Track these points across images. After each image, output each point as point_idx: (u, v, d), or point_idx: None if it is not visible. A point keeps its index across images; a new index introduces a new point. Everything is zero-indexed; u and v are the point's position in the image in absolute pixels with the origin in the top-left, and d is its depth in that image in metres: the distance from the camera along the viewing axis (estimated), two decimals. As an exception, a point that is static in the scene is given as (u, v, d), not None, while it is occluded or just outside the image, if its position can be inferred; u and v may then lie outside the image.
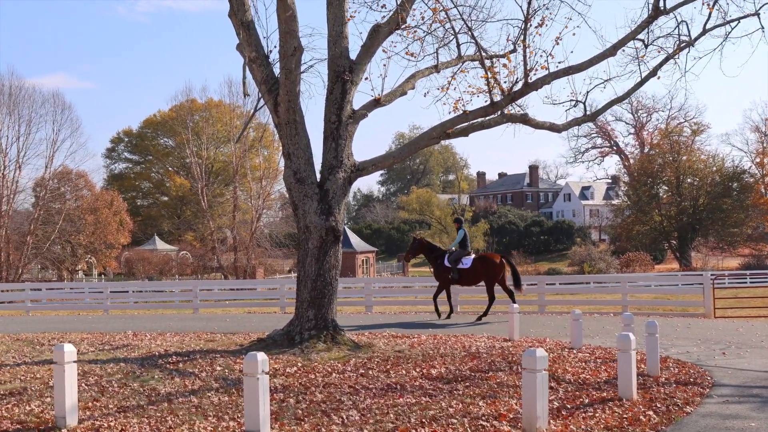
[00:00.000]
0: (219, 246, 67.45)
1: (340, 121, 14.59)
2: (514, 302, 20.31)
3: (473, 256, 21.00)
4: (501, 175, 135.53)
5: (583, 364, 12.15)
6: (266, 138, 67.61)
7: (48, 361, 13.44)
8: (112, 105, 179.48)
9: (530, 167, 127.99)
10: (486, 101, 15.41)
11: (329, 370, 11.92)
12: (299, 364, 12.35)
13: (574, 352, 13.50)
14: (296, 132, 14.34)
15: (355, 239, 76.31)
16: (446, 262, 20.73)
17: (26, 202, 67.33)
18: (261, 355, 7.58)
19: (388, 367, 12.04)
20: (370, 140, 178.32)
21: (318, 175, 14.60)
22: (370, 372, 11.62)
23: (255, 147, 72.10)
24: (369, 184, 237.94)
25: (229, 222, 70.25)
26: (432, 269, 21.73)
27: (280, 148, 70.19)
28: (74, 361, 8.73)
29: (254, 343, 14.42)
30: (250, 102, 67.09)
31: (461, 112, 15.45)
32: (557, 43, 15.20)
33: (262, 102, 14.91)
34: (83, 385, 10.98)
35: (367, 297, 25.81)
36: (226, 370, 12.02)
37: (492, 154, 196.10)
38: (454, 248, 21.24)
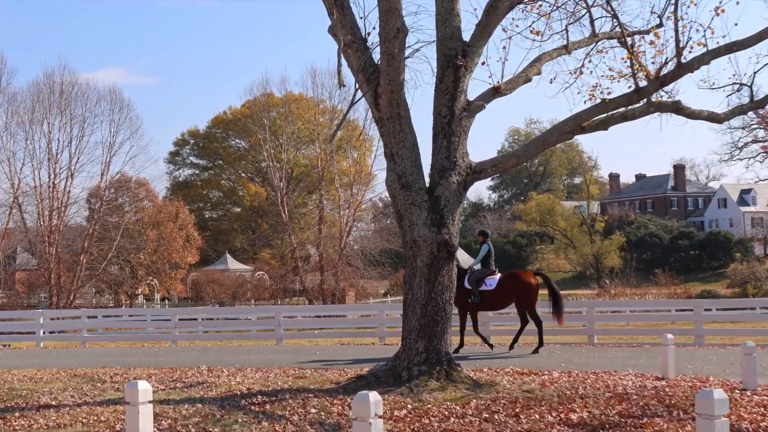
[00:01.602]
0: (302, 265, 68.29)
1: (453, 114, 14.53)
2: (540, 332, 20.52)
3: (499, 275, 20.91)
4: (639, 177, 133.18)
5: (762, 409, 11.73)
6: (356, 137, 68.16)
7: (112, 401, 13.77)
8: (176, 102, 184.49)
9: (675, 167, 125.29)
10: (630, 87, 15.13)
11: (446, 413, 11.84)
12: (409, 407, 12.33)
13: (748, 394, 13.07)
14: (400, 128, 14.35)
15: (462, 256, 76.09)
16: (466, 284, 20.77)
17: (79, 215, 69.59)
18: (374, 395, 7.58)
19: (518, 410, 11.90)
20: (470, 139, 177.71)
21: (427, 180, 14.57)
22: (496, 417, 11.50)
23: (343, 148, 72.83)
24: (478, 190, 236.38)
25: (313, 237, 71.03)
26: None
27: (372, 149, 70.22)
28: (149, 402, 8.90)
29: (353, 381, 14.43)
30: (339, 95, 67.97)
31: (599, 100, 15.21)
32: (717, 14, 14.81)
33: (359, 94, 14.98)
34: (155, 429, 11.15)
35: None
36: (322, 413, 12.08)
37: (627, 152, 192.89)
38: (476, 266, 21.23)
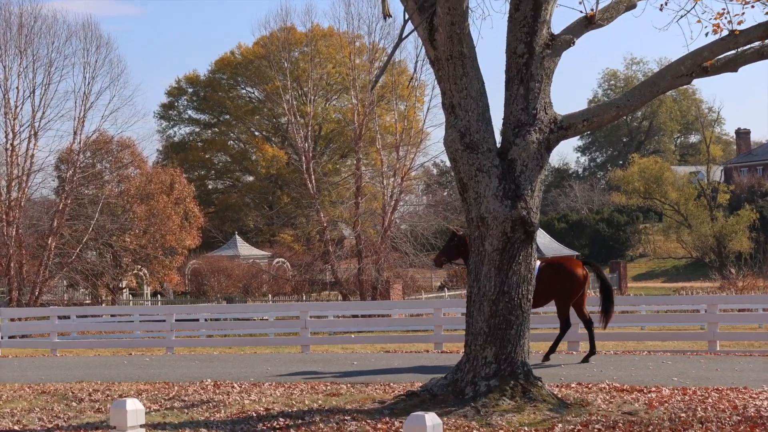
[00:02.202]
0: (334, 250, 68.35)
1: (532, 52, 14.46)
2: (591, 336, 21.20)
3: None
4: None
5: None
6: (403, 85, 68.02)
7: (92, 425, 13.94)
8: (169, 39, 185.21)
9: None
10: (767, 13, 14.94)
11: (523, 442, 11.83)
12: (475, 433, 12.33)
13: None
14: (464, 71, 14.30)
15: (542, 238, 75.93)
16: None
17: (46, 186, 69.96)
18: (432, 418, 7.59)
19: (617, 439, 11.91)
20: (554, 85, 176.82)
21: (498, 139, 14.51)
22: (589, 446, 11.51)
23: (386, 98, 72.69)
24: (562, 152, 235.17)
25: (348, 213, 71.03)
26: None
27: (424, 99, 70.12)
28: (141, 426, 8.99)
29: (401, 399, 14.50)
30: (382, 29, 67.72)
31: (726, 32, 15.02)
32: None
33: (409, 26, 14.94)
34: (149, 460, 11.31)
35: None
36: (362, 441, 12.12)
37: (761, 103, 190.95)
38: None
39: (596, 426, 12.64)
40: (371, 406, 14.66)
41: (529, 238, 14.27)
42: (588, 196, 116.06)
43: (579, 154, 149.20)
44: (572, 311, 21.38)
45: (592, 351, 21.27)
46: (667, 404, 14.37)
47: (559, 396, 14.60)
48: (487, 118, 14.45)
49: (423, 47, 14.75)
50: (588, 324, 21.23)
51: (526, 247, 14.27)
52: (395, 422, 13.05)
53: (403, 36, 15.03)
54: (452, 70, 14.31)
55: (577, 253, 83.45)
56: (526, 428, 12.61)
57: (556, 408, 13.67)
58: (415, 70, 61.13)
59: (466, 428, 12.61)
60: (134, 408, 8.90)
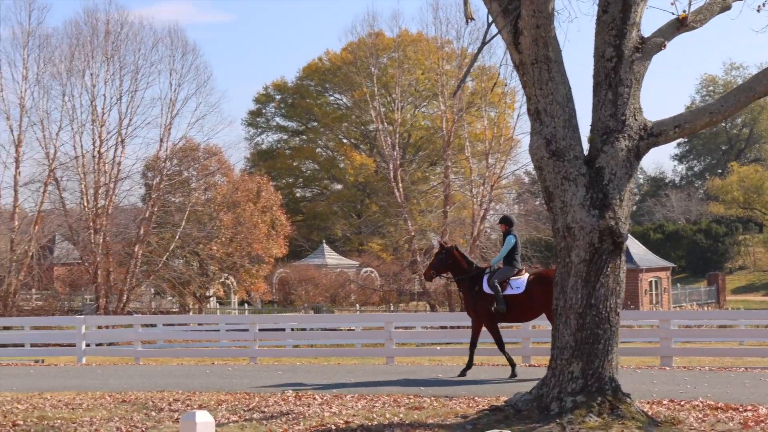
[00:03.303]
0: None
1: (621, 56, 14.25)
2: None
3: (526, 275, 21.18)
4: None
5: None
6: (494, 91, 67.76)
7: (170, 436, 13.95)
8: (257, 46, 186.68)
9: None
10: None
11: (610, 461, 11.62)
12: (560, 452, 12.13)
13: None
14: (549, 76, 14.12)
15: (637, 249, 75.19)
16: (485, 287, 21.22)
17: (133, 193, 70.83)
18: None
19: (709, 459, 11.64)
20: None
21: (585, 146, 14.32)
22: (679, 468, 11.27)
23: (476, 104, 72.49)
24: (658, 160, 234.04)
25: (436, 222, 70.96)
26: (461, 297, 22.69)
27: (515, 105, 69.55)
28: (212, 438, 8.94)
29: (485, 414, 14.36)
30: (470, 34, 67.59)
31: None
32: None
33: (493, 30, 14.80)
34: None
35: (663, 342, 25.17)
36: (443, 457, 11.98)
37: None
38: (497, 265, 21.50)
39: (687, 445, 12.37)
40: (453, 421, 14.52)
41: (617, 249, 14.04)
42: (685, 205, 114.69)
43: (676, 163, 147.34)
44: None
45: None
46: (763, 424, 14.03)
47: (649, 413, 14.33)
48: (573, 125, 14.26)
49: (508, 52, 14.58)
50: None
51: (614, 259, 14.04)
52: (477, 438, 12.90)
53: (487, 40, 14.89)
54: (537, 74, 14.14)
55: (673, 265, 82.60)
56: (613, 446, 12.37)
57: (645, 426, 13.41)
58: (499, 74, 60.67)
59: (551, 445, 12.41)
60: (204, 420, 8.85)
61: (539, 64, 14.12)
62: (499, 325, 22.06)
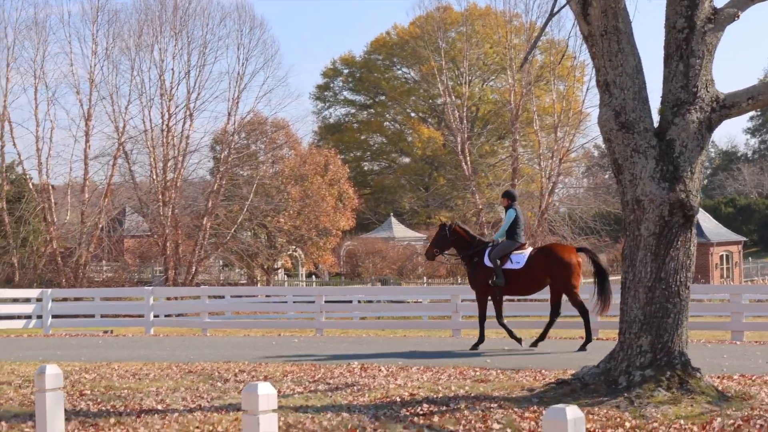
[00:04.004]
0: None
1: (693, 27, 13.94)
2: (587, 323, 21.27)
3: (529, 249, 21.43)
4: None
5: None
6: (562, 64, 67.21)
7: (234, 407, 13.92)
8: (324, 20, 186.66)
9: None
10: None
11: (679, 437, 11.44)
12: (627, 425, 12.00)
13: None
14: (619, 47, 13.86)
15: (708, 223, 74.40)
16: (486, 261, 21.43)
17: (201, 166, 71.35)
18: (573, 412, 7.24)
19: (783, 435, 11.43)
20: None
21: (655, 118, 14.06)
22: (751, 443, 11.06)
23: (544, 78, 72.01)
24: (730, 133, 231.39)
25: (504, 195, 70.68)
26: (467, 271, 22.74)
27: (584, 79, 68.93)
28: (273, 411, 8.83)
29: (551, 388, 14.20)
30: (538, 7, 67.06)
31: None
32: None
33: (561, 1, 14.58)
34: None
35: (734, 317, 24.82)
36: (508, 430, 11.89)
37: None
38: (500, 239, 21.71)
39: (758, 421, 12.11)
40: (519, 394, 14.37)
41: (688, 222, 13.78)
42: (758, 179, 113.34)
43: (748, 136, 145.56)
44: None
45: (588, 338, 21.33)
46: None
47: (719, 388, 14.08)
48: (643, 97, 14.00)
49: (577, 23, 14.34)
50: (582, 311, 21.28)
51: (684, 232, 13.78)
52: (543, 411, 12.68)
53: (554, 11, 14.68)
54: (607, 45, 13.90)
55: (744, 239, 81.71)
56: (682, 421, 12.15)
57: (715, 401, 13.17)
58: (567, 46, 60.23)
59: (619, 419, 12.22)
60: (266, 392, 8.74)
61: (608, 35, 13.87)
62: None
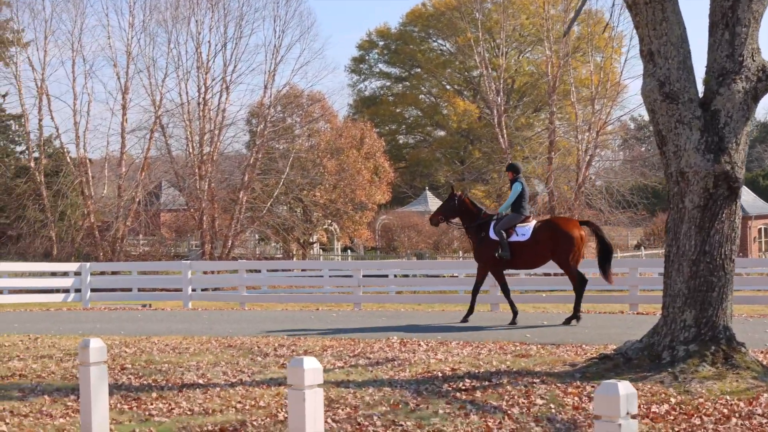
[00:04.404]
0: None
1: (739, -6, 13.79)
2: (579, 297, 21.44)
3: (534, 222, 21.67)
4: None
5: None
6: (599, 35, 66.74)
7: (275, 381, 13.97)
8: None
9: None
10: None
11: (725, 412, 11.38)
12: (673, 400, 11.93)
13: None
14: (663, 16, 13.72)
15: (746, 195, 73.92)
16: (491, 233, 21.78)
17: (237, 140, 71.40)
18: (625, 387, 7.18)
19: (829, 410, 11.32)
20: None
21: (700, 88, 13.92)
22: (798, 418, 10.98)
23: (581, 50, 71.53)
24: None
25: (541, 169, 70.40)
26: (471, 243, 23.22)
27: (621, 50, 68.36)
28: (319, 385, 8.82)
29: (594, 363, 14.15)
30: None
31: None
32: None
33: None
34: (329, 421, 11.24)
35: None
36: (552, 405, 11.85)
37: None
38: (505, 212, 22.11)
39: (805, 396, 12.03)
40: (562, 369, 14.33)
41: (733, 194, 13.65)
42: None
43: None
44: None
45: (575, 314, 21.56)
46: None
47: (764, 363, 14.00)
48: (688, 66, 13.85)
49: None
50: (579, 283, 21.47)
51: (729, 204, 13.65)
52: (587, 386, 12.70)
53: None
54: (651, 14, 13.76)
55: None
56: (727, 397, 12.07)
57: (761, 376, 13.08)
58: (611, 16, 59.71)
59: (663, 395, 12.14)
60: (312, 367, 8.72)
61: (653, 3, 13.72)
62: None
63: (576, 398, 12.15)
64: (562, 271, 24.19)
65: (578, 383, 12.98)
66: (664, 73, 13.78)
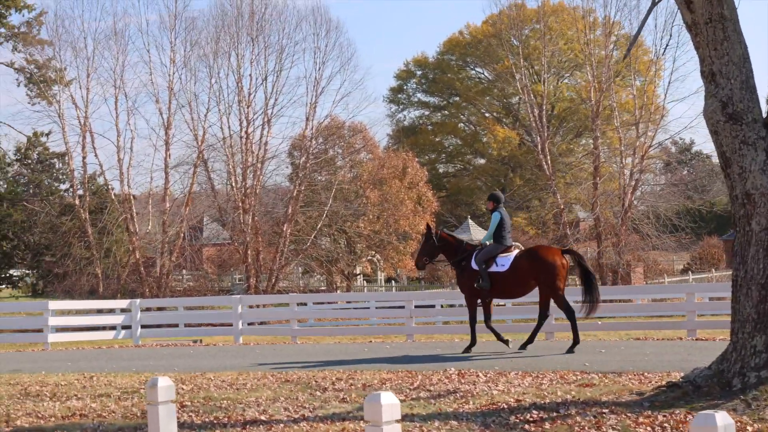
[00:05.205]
0: (572, 232, 67.47)
1: (801, 12, 13.61)
2: (574, 325, 21.74)
3: (515, 252, 21.78)
4: None
5: None
6: (639, 59, 66.49)
7: (338, 416, 13.83)
8: (396, 21, 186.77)
9: None
10: None
11: (804, 440, 11.10)
12: (749, 429, 11.70)
13: None
14: (724, 35, 13.55)
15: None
16: (472, 263, 21.96)
17: (279, 173, 71.53)
18: (723, 418, 7.00)
19: None
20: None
21: (764, 108, 13.73)
22: None
23: (621, 74, 71.31)
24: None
25: (585, 195, 70.07)
26: (456, 274, 23.40)
27: (661, 74, 67.86)
28: (396, 421, 8.68)
29: (661, 391, 13.89)
30: (617, 0, 66.28)
31: None
32: None
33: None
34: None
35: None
36: (625, 437, 11.64)
37: None
38: (487, 242, 22.22)
39: None
40: (629, 398, 14.09)
41: (804, 218, 13.43)
42: None
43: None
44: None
45: (576, 341, 21.76)
46: None
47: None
48: (751, 86, 13.66)
49: (662, 17, 14.09)
50: (569, 313, 21.60)
51: (796, 226, 13.42)
52: (658, 416, 12.45)
53: (657, 0, 14.38)
54: (711, 34, 13.59)
55: None
56: (806, 425, 11.82)
57: (839, 403, 12.80)
58: (660, 47, 59.47)
59: (738, 423, 11.87)
60: (389, 402, 8.57)
61: (713, 23, 13.57)
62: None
63: (648, 428, 11.93)
64: (610, 299, 24.22)
65: (648, 412, 12.74)
66: (727, 94, 13.61)
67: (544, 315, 22.01)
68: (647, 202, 70.19)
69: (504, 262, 21.62)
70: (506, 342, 22.62)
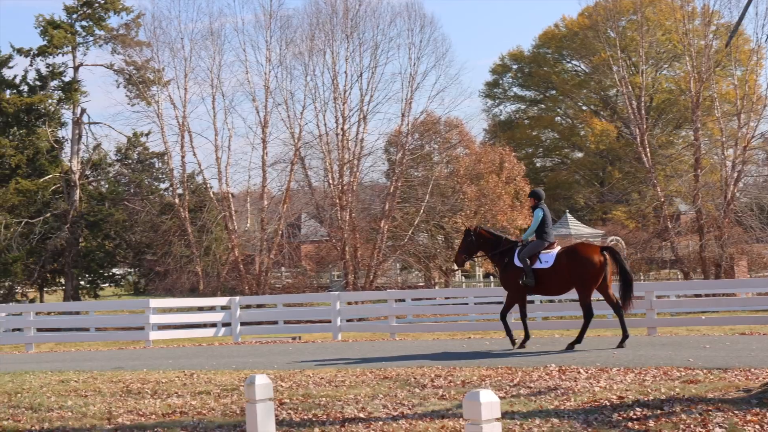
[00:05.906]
0: (673, 225, 66.47)
1: None
2: (621, 320, 21.67)
3: (557, 248, 21.65)
4: None
5: None
6: (740, 48, 65.26)
7: (437, 414, 13.73)
8: (491, 15, 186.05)
9: None
10: None
11: None
12: None
13: None
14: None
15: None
16: (516, 260, 21.95)
17: (375, 169, 71.56)
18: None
19: None
20: None
21: None
22: None
23: (721, 64, 70.06)
24: None
25: (685, 187, 68.96)
26: (496, 271, 23.72)
27: (762, 63, 66.69)
28: (497, 419, 8.55)
29: (769, 387, 13.59)
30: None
31: None
32: None
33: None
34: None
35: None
36: (733, 435, 11.37)
37: None
38: (529, 239, 22.22)
39: None
40: (735, 395, 13.76)
41: None
42: None
43: None
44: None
45: (625, 335, 21.62)
46: None
47: None
48: None
49: (763, 4, 13.68)
50: (616, 308, 21.64)
51: None
52: (767, 413, 12.16)
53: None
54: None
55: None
56: None
57: None
58: (735, 26, 58.26)
59: None
60: (489, 400, 8.45)
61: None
62: None
63: (757, 426, 11.66)
64: (713, 292, 23.75)
65: (756, 410, 12.44)
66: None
67: (589, 312, 21.89)
68: (750, 194, 69.02)
69: (547, 258, 21.67)
70: (514, 342, 22.77)
